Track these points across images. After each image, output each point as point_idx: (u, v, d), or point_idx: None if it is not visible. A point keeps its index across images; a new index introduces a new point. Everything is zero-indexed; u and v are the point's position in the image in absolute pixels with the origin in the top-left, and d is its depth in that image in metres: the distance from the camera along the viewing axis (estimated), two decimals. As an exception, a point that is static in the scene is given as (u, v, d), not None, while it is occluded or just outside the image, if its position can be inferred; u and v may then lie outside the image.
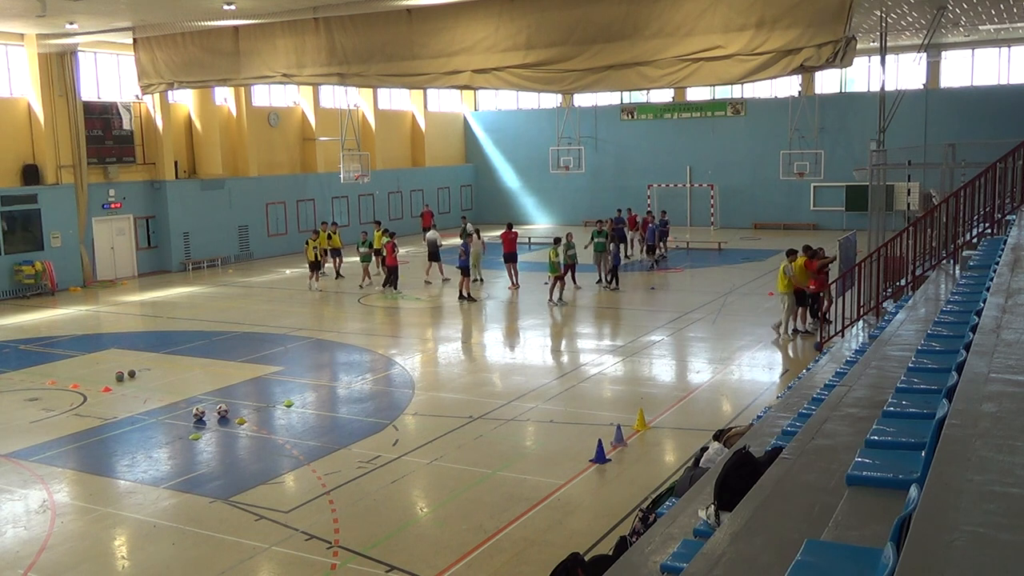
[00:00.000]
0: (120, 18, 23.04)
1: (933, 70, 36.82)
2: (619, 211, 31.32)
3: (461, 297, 23.49)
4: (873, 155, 22.94)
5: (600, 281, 25.28)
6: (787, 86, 38.45)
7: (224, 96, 33.35)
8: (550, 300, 22.59)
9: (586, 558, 6.20)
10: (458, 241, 26.05)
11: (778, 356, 17.30)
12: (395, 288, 24.90)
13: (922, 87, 35.99)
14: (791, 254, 17.90)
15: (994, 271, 7.99)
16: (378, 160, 39.25)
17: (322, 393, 15.35)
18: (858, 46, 17.44)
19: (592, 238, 25.23)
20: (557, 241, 24.50)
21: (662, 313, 21.35)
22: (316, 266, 26.32)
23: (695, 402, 14.11)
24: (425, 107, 43.16)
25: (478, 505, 10.08)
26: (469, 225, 30.15)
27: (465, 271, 23.79)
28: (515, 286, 24.94)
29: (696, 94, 40.85)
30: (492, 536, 9.21)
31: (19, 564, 8.92)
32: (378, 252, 26.71)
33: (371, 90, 38.52)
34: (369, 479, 10.94)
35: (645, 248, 29.89)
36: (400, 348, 18.63)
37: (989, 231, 13.49)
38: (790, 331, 18.07)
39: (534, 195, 44.87)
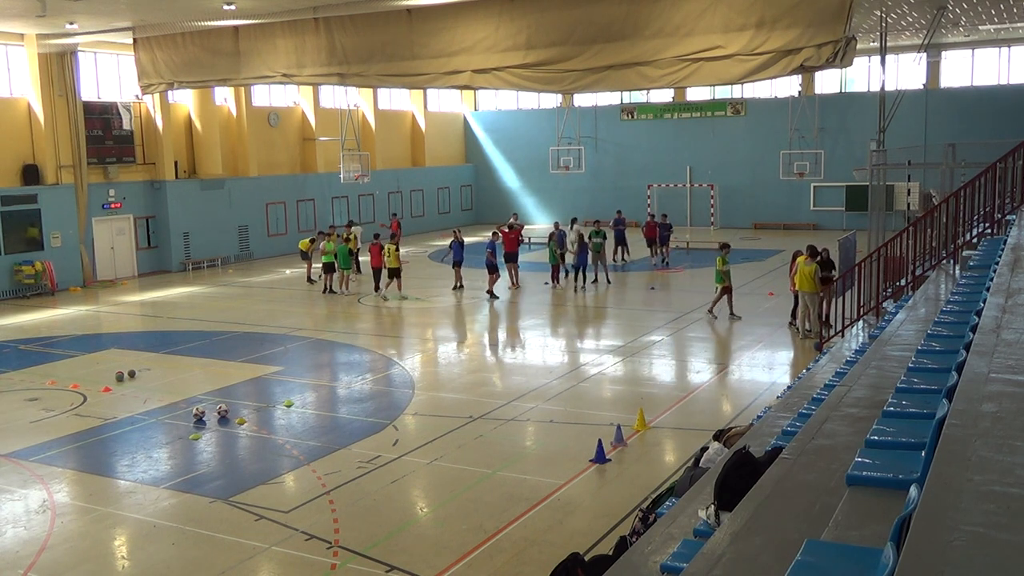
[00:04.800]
0: (120, 18, 23.04)
1: (933, 70, 36.82)
2: (619, 212, 31.24)
3: (493, 296, 23.64)
4: (873, 155, 22.95)
5: (596, 280, 25.32)
6: (787, 86, 38.44)
7: (224, 96, 33.35)
8: (731, 315, 20.04)
9: (586, 558, 6.20)
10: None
11: (778, 356, 17.29)
12: (380, 290, 24.41)
13: (922, 87, 35.99)
14: (814, 254, 17.80)
15: (994, 271, 7.99)
16: (378, 160, 39.25)
17: (322, 393, 15.35)
18: (858, 46, 17.43)
19: (590, 237, 25.21)
20: (555, 237, 24.65)
21: (662, 313, 21.35)
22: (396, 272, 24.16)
23: (695, 402, 14.11)
24: (425, 107, 43.16)
25: (478, 505, 10.08)
26: (356, 227, 29.08)
27: (491, 269, 23.86)
28: (515, 286, 24.95)
29: (696, 94, 40.84)
30: (492, 536, 9.21)
31: (19, 564, 8.92)
32: (305, 255, 26.98)
33: (371, 90, 38.51)
34: (369, 479, 10.94)
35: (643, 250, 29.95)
36: (400, 348, 18.63)
37: (989, 231, 13.49)
38: (807, 328, 17.94)
39: (534, 195, 44.87)
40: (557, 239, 25.32)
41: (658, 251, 29.96)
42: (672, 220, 39.84)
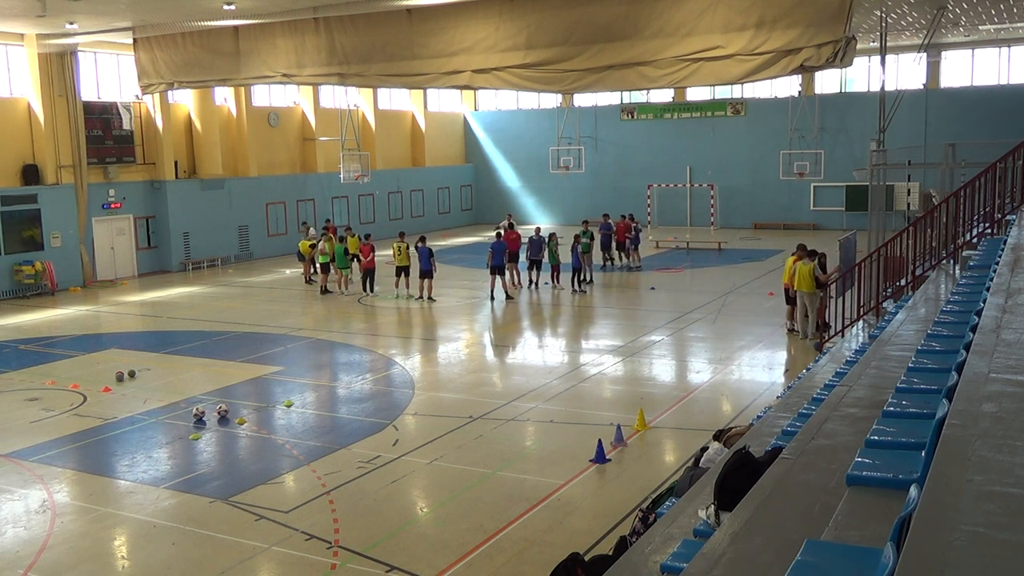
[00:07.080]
0: (120, 18, 23.05)
1: (933, 70, 36.82)
2: (605, 216, 30.48)
3: (509, 297, 23.50)
4: (873, 155, 22.96)
5: (590, 281, 25.29)
6: (787, 86, 38.44)
7: (224, 96, 33.35)
8: (794, 329, 18.44)
9: (586, 558, 6.19)
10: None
11: (778, 356, 17.29)
12: (372, 291, 24.32)
13: (922, 87, 35.99)
14: (812, 255, 17.75)
15: (994, 271, 7.98)
16: (378, 160, 39.25)
17: (322, 393, 15.35)
18: (858, 46, 17.44)
19: (579, 238, 25.16)
20: (555, 238, 24.52)
21: (662, 313, 21.34)
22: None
23: (695, 402, 14.11)
24: (425, 107, 43.16)
25: (478, 505, 10.08)
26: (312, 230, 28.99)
27: (498, 271, 23.45)
28: (516, 286, 24.93)
29: (696, 94, 40.85)
30: (492, 536, 9.21)
31: (19, 564, 8.92)
32: (302, 257, 27.27)
33: (371, 90, 38.52)
34: (369, 479, 10.94)
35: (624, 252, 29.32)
36: (400, 348, 18.64)
37: (989, 231, 13.49)
38: (807, 331, 17.89)
39: (534, 195, 44.87)
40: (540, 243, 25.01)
41: (628, 256, 28.45)
42: (672, 220, 39.90)
